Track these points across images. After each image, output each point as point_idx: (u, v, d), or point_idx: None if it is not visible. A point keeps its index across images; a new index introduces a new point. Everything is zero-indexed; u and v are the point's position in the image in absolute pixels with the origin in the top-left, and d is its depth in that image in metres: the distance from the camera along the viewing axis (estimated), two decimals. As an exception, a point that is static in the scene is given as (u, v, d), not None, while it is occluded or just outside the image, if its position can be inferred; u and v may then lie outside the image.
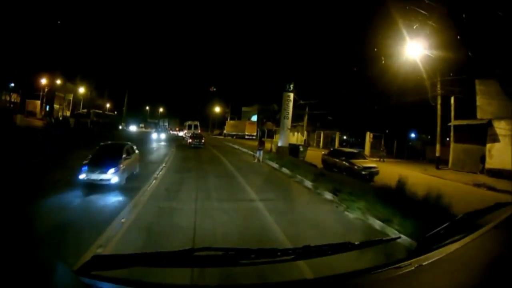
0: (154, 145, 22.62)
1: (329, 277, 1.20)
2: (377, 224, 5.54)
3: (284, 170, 11.86)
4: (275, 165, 13.32)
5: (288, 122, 16.70)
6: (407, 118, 34.27)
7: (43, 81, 35.67)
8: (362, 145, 29.72)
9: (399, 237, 3.31)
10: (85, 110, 33.58)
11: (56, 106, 41.35)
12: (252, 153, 17.80)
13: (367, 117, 34.24)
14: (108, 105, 57.81)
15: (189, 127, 37.45)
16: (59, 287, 0.88)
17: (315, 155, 17.99)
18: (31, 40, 25.03)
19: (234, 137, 42.49)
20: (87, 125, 26.85)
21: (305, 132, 32.96)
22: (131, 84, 43.27)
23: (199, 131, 34.88)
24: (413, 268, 1.15)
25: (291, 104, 16.62)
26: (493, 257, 1.12)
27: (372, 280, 1.20)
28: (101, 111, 34.13)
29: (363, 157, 14.16)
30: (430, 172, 16.93)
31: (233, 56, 56.90)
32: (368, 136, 27.85)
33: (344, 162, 13.36)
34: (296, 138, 34.15)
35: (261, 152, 14.45)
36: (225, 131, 49.16)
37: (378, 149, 28.11)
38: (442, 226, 1.33)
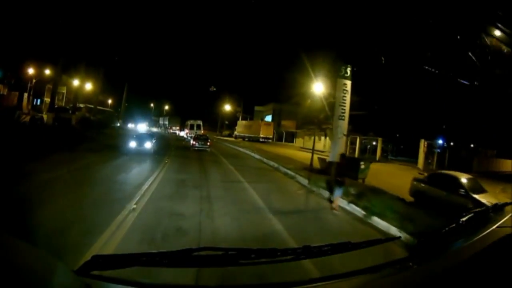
0: (137, 156, 12.97)
1: (328, 277, 1.19)
2: None
3: (380, 223, 5.76)
4: (351, 208, 6.96)
5: (345, 124, 10.61)
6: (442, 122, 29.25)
7: (31, 71, 31.51)
8: (402, 153, 24.46)
9: (400, 237, 3.36)
10: (71, 104, 28.54)
11: (47, 99, 37.64)
12: (290, 172, 11.86)
13: (414, 119, 28.51)
14: (110, 101, 53.22)
15: (191, 127, 33.26)
16: (59, 287, 0.85)
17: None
18: (17, 26, 20.59)
19: (247, 139, 37.12)
20: (69, 122, 21.73)
21: (335, 137, 27.03)
22: (134, 81, 38.82)
23: (202, 131, 31.31)
24: (413, 268, 1.17)
25: (348, 97, 10.69)
26: (494, 257, 1.11)
27: (372, 280, 1.19)
28: (92, 106, 28.92)
29: (482, 188, 8.31)
30: (513, 194, 12.35)
31: (248, 40, 51.47)
32: (423, 145, 21.73)
33: (464, 199, 7.53)
34: (323, 144, 28.40)
35: (341, 190, 7.07)
36: (236, 132, 44.33)
37: (426, 161, 22.85)
38: (442, 227, 1.34)
